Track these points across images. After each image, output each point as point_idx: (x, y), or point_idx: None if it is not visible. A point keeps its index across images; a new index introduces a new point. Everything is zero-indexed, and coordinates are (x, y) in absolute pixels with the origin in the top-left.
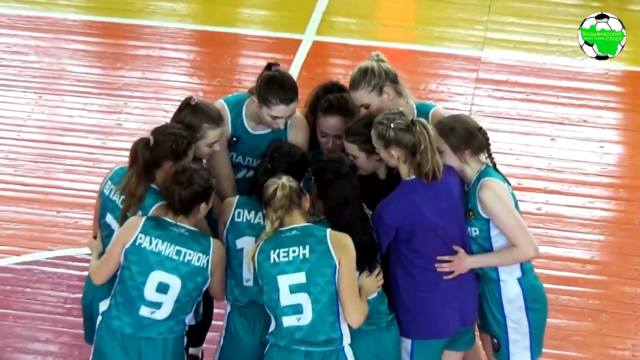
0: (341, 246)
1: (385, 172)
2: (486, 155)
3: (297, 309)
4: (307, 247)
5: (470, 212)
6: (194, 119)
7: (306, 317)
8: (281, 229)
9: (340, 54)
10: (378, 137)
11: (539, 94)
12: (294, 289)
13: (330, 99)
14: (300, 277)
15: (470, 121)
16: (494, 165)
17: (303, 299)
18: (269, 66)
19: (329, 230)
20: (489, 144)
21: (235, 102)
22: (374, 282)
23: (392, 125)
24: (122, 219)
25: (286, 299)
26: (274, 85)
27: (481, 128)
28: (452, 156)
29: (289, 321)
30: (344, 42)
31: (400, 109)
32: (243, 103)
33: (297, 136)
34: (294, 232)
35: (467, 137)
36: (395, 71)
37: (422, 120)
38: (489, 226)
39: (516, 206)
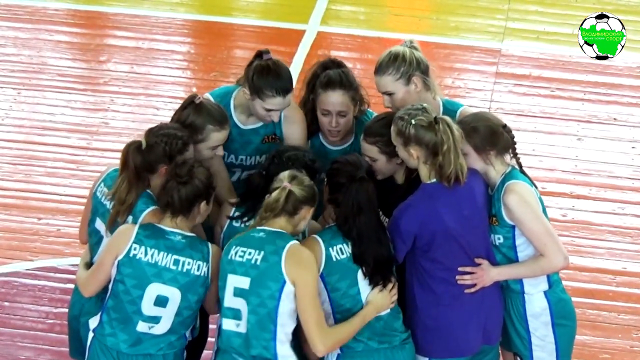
0: (299, 265)
1: (403, 176)
2: (511, 155)
3: (236, 314)
4: (262, 253)
5: (494, 218)
6: (198, 119)
7: (243, 326)
8: (256, 227)
9: (347, 45)
10: (397, 133)
11: (565, 90)
12: (237, 292)
13: (330, 74)
14: (244, 282)
15: (493, 119)
16: (520, 166)
17: (242, 305)
18: (259, 54)
19: (292, 242)
20: (515, 143)
21: (222, 94)
22: (386, 297)
23: (412, 122)
24: (110, 226)
25: (229, 300)
26: (269, 75)
27: (505, 125)
28: (475, 158)
29: (228, 324)
30: (351, 33)
31: (424, 105)
32: (230, 95)
33: (293, 130)
34: (261, 233)
35: (492, 136)
36: (427, 62)
37: (447, 118)
38: (514, 233)
39: (544, 211)
